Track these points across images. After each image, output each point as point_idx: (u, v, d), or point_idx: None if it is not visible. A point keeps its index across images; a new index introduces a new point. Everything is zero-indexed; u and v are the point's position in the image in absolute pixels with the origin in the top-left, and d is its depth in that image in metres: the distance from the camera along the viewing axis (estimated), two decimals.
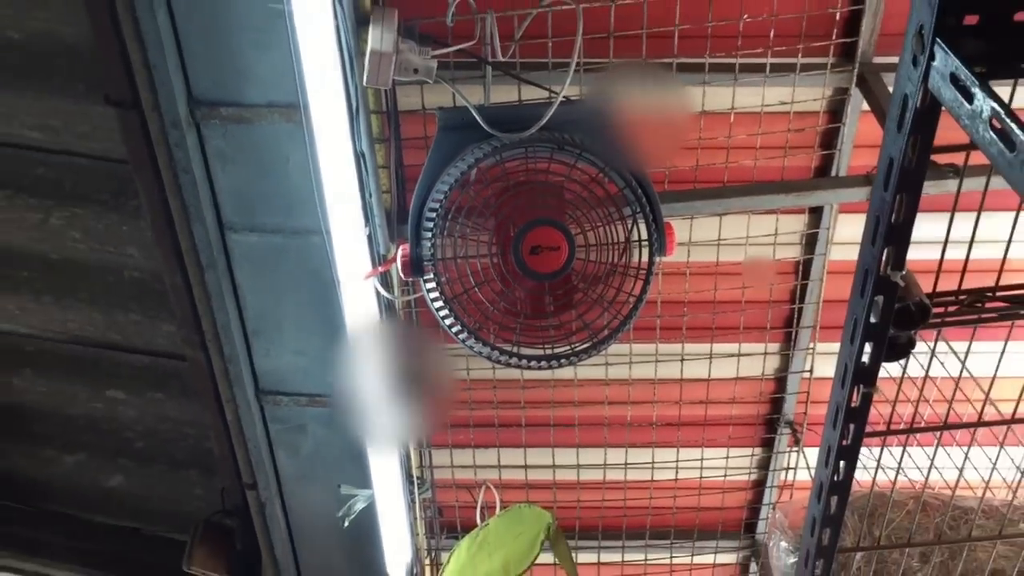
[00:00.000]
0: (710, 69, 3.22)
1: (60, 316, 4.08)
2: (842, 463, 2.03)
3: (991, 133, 1.29)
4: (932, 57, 1.43)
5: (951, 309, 1.85)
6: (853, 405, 1.93)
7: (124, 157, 3.35)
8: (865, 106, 3.33)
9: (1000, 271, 1.88)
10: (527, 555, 3.39)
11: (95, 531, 4.73)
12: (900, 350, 1.89)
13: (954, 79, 1.38)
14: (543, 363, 2.64)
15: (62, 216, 3.78)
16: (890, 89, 3.12)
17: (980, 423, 2.19)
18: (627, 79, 3.18)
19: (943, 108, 1.46)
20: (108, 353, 4.18)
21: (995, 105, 1.28)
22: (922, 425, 2.51)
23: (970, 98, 1.33)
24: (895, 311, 1.78)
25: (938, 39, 1.40)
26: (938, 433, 2.64)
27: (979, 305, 1.84)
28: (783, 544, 3.32)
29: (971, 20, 1.44)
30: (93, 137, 3.51)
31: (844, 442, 2.00)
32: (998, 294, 1.86)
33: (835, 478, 2.05)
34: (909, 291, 1.81)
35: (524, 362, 2.64)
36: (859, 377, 1.88)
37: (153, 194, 3.25)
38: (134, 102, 3.07)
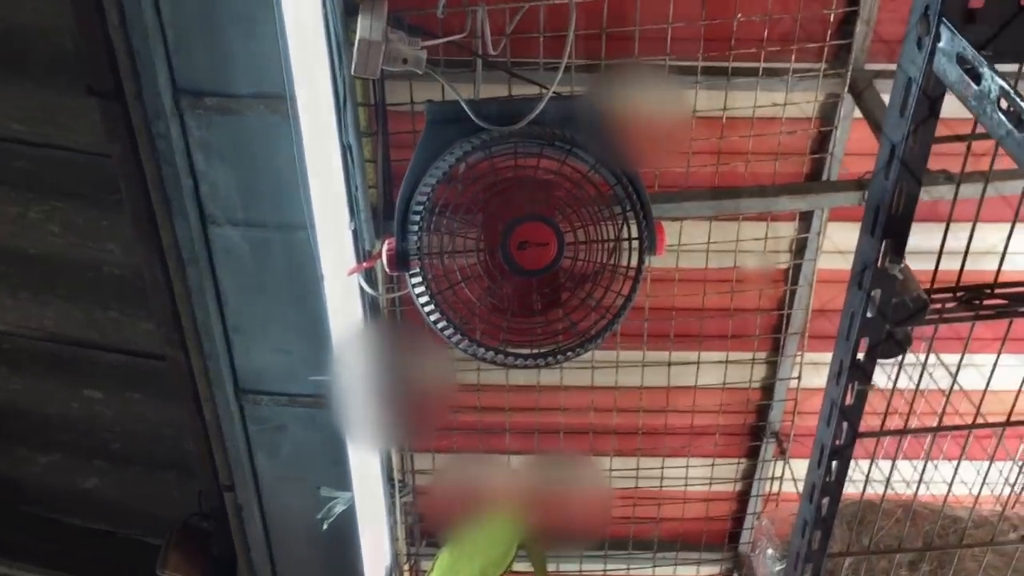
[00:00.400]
0: (703, 72, 3.19)
1: (37, 312, 4.02)
2: (834, 463, 1.99)
3: (999, 114, 1.26)
4: (938, 38, 1.40)
5: (948, 305, 1.81)
6: (847, 403, 1.89)
7: (106, 151, 3.31)
8: (857, 114, 3.30)
9: (999, 268, 1.85)
10: (502, 561, 3.45)
11: (69, 533, 4.67)
12: (897, 346, 1.85)
13: (961, 60, 1.34)
14: (529, 361, 2.59)
15: (41, 210, 3.72)
16: (883, 96, 3.13)
17: (974, 425, 2.15)
18: (619, 78, 3.15)
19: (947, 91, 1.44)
20: (86, 351, 4.13)
21: (1004, 84, 1.25)
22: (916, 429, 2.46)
23: (977, 78, 1.30)
24: (892, 305, 1.74)
25: (944, 19, 1.37)
26: (929, 441, 2.61)
27: (977, 302, 1.81)
28: (770, 551, 3.28)
29: (976, 3, 1.42)
30: (75, 130, 3.47)
31: (837, 441, 1.96)
32: (996, 291, 1.83)
33: (827, 479, 2.01)
34: (906, 286, 1.76)
35: (510, 360, 2.58)
36: (854, 373, 1.84)
37: (135, 187, 3.21)
38: (117, 92, 3.03)
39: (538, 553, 3.69)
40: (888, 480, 2.56)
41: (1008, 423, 2.14)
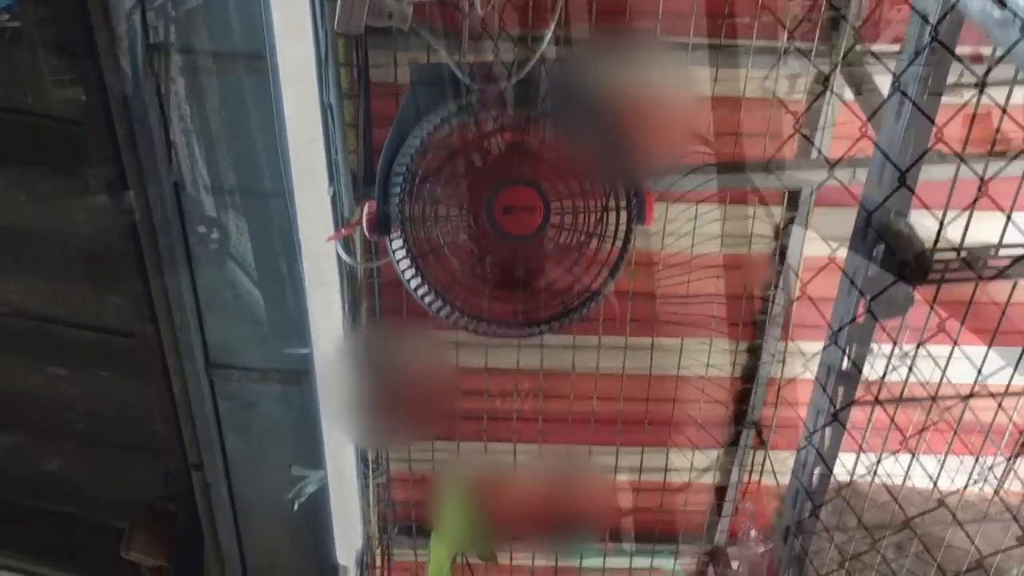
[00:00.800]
0: (694, 48, 3.13)
1: (2, 286, 3.91)
2: (829, 430, 1.92)
3: None
4: None
5: (952, 266, 1.74)
6: (844, 367, 1.83)
7: (77, 116, 3.21)
8: (848, 96, 3.25)
9: (1004, 231, 1.79)
10: (455, 544, 3.52)
11: (31, 516, 4.56)
12: (897, 307, 1.78)
13: None
14: (512, 330, 2.51)
15: (9, 178, 3.61)
16: (874, 76, 3.08)
17: (971, 395, 2.09)
18: (610, 49, 3.08)
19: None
20: (51, 327, 4.02)
21: None
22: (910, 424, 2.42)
23: (1002, 3, 1.23)
24: (896, 262, 1.68)
25: None
26: (917, 438, 2.56)
27: (981, 262, 1.74)
28: (753, 533, 3.22)
29: None
30: (45, 94, 3.36)
31: (832, 408, 1.89)
32: (1001, 252, 1.76)
33: (821, 447, 1.95)
34: (910, 243, 1.70)
35: (492, 328, 2.51)
36: (853, 334, 1.77)
37: (106, 150, 3.11)
38: (89, 51, 2.93)
39: (486, 542, 3.72)
40: (876, 467, 2.51)
41: (1006, 393, 2.08)
